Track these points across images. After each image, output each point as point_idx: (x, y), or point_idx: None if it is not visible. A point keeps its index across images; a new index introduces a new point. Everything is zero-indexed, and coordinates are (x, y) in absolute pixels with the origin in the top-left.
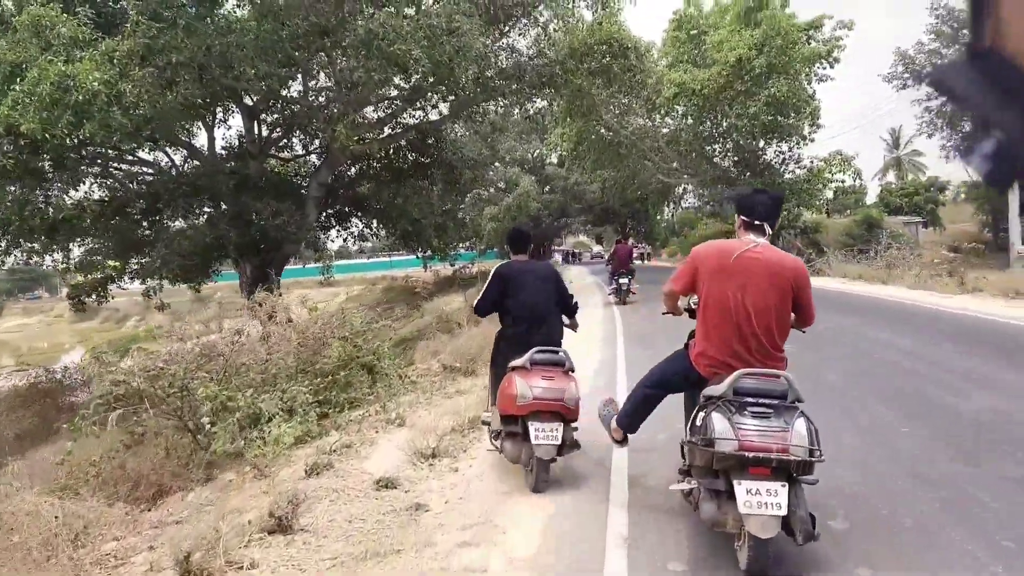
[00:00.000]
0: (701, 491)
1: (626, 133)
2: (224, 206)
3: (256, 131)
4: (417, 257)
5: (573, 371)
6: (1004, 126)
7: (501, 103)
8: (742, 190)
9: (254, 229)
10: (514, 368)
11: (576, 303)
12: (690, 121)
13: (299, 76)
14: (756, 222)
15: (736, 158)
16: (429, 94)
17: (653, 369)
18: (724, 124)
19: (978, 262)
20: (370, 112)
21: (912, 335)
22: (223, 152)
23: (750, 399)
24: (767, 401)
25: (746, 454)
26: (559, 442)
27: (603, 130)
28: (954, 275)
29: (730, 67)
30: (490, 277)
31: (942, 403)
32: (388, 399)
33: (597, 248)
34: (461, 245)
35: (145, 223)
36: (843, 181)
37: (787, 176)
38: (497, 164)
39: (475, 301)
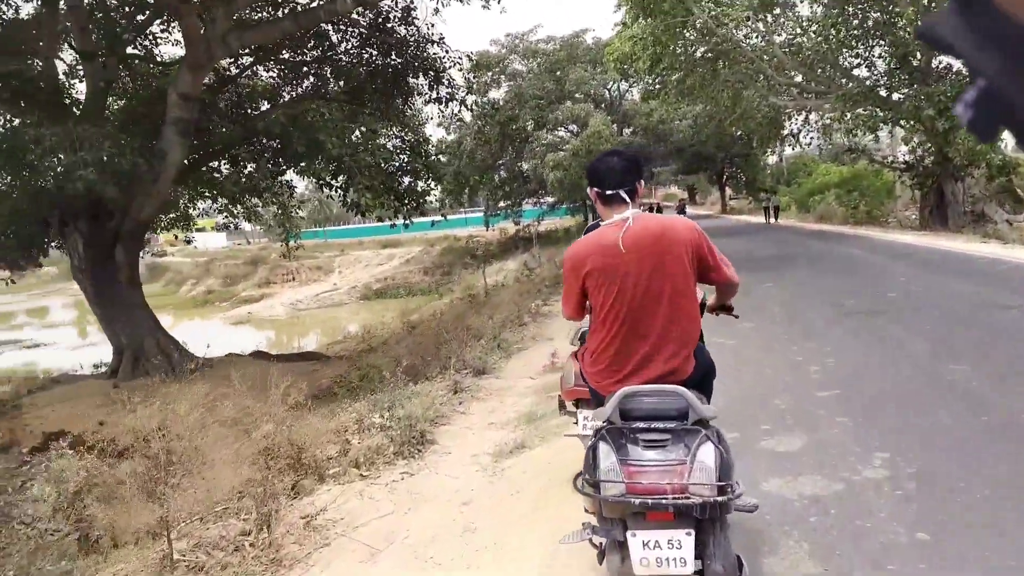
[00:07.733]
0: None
1: (723, 33)
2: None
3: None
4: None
5: None
6: (989, 75)
7: None
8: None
9: (40, 180)
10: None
11: None
12: (820, 11)
13: None
14: (608, 192)
15: (893, 64)
16: None
17: None
18: (873, 16)
19: None
20: None
21: None
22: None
23: (641, 424)
24: (662, 425)
25: (632, 500)
26: None
27: (690, 35)
28: None
29: None
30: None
31: None
32: None
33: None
34: (526, 201)
35: None
36: None
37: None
38: (568, 103)
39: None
